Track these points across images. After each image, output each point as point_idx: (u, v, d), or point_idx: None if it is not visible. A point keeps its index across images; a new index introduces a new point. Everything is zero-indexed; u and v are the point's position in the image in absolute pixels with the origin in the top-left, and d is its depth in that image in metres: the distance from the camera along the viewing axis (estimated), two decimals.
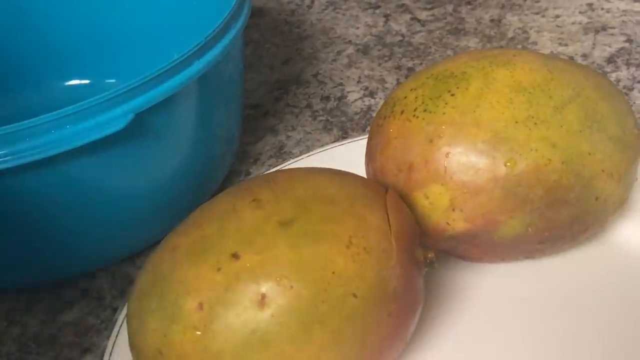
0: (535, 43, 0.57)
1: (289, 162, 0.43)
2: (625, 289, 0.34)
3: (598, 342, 0.32)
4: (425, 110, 0.32)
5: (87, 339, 0.38)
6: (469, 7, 0.64)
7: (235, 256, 0.26)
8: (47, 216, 0.36)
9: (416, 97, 0.33)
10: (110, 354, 0.32)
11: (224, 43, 0.37)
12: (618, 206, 0.33)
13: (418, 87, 0.33)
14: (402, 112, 0.33)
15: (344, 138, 0.49)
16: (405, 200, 0.32)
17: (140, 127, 0.34)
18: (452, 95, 0.32)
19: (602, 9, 0.60)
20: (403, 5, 0.66)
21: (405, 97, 0.33)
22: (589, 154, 0.31)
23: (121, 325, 0.34)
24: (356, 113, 0.52)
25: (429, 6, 0.65)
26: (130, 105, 0.33)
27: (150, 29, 0.51)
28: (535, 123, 0.31)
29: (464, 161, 0.31)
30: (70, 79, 0.54)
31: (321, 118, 0.52)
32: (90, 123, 0.32)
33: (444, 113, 0.32)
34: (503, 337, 0.33)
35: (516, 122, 0.31)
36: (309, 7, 0.68)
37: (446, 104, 0.32)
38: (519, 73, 0.32)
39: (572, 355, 0.32)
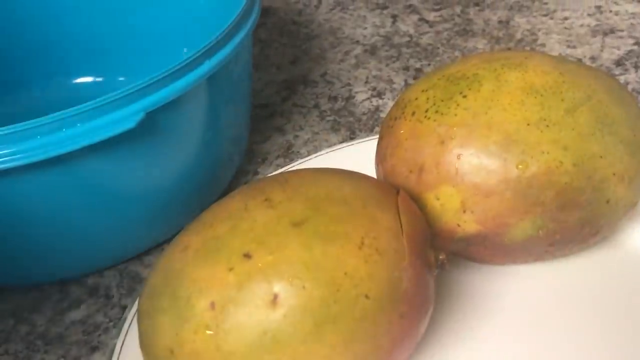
0: (543, 45, 0.57)
1: (297, 162, 0.43)
2: (635, 292, 0.34)
3: (608, 344, 0.32)
4: (436, 112, 0.32)
5: (95, 337, 0.38)
6: (477, 8, 0.64)
7: (247, 256, 0.26)
8: (56, 214, 0.36)
9: (427, 99, 0.33)
10: (120, 353, 0.32)
11: (234, 43, 0.37)
12: (629, 209, 0.33)
13: (429, 88, 0.33)
14: (413, 114, 0.33)
15: (351, 138, 0.49)
16: (416, 202, 0.31)
17: (150, 126, 0.34)
18: (464, 96, 0.32)
19: (611, 11, 0.60)
20: (411, 5, 0.66)
21: (417, 99, 0.33)
22: (600, 157, 0.31)
23: (130, 323, 0.34)
24: (364, 113, 0.52)
25: (436, 7, 0.65)
26: (140, 104, 0.33)
27: (159, 27, 0.51)
28: (547, 125, 0.31)
29: (476, 163, 0.31)
30: (79, 77, 0.54)
31: (329, 118, 0.52)
32: (101, 122, 0.32)
33: (455, 114, 0.32)
34: (513, 339, 0.33)
35: (528, 125, 0.31)
36: (317, 7, 0.68)
37: (458, 105, 0.32)
38: (531, 75, 0.32)
39: (582, 357, 0.32)
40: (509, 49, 0.57)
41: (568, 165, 0.31)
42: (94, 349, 0.37)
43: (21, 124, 0.31)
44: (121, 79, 0.53)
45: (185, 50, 0.35)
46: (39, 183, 0.33)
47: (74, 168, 0.33)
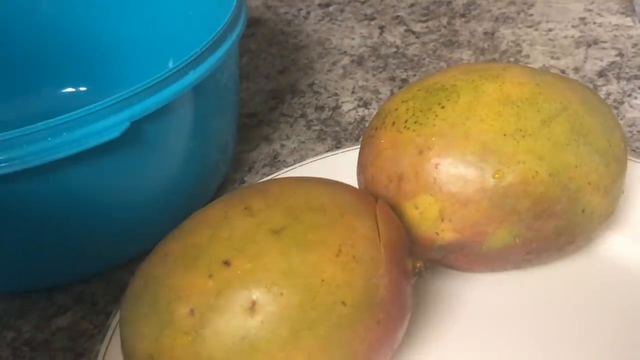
0: (527, 56, 0.58)
1: (282, 171, 0.43)
2: (611, 299, 0.35)
3: (583, 352, 0.33)
4: (415, 122, 0.33)
5: (81, 344, 0.38)
6: (463, 19, 0.64)
7: (226, 263, 0.27)
8: (41, 223, 0.36)
9: (407, 109, 0.33)
10: (103, 359, 0.33)
11: (219, 53, 0.38)
12: (604, 218, 0.34)
13: (409, 99, 0.34)
14: (393, 124, 0.34)
15: (337, 148, 0.50)
16: (395, 211, 0.32)
17: (135, 135, 0.34)
18: (442, 107, 0.32)
19: (594, 23, 0.61)
20: (398, 17, 0.66)
21: (397, 109, 0.34)
22: (576, 167, 0.32)
23: (114, 330, 0.34)
24: (350, 123, 0.53)
25: (423, 18, 0.65)
26: (125, 113, 0.33)
27: (147, 38, 0.51)
28: (523, 136, 0.31)
29: (453, 172, 0.31)
30: (67, 87, 0.54)
31: (315, 128, 0.53)
32: (86, 131, 0.32)
33: (434, 125, 0.32)
34: (490, 346, 0.33)
35: (504, 135, 0.31)
36: (305, 17, 0.68)
37: (436, 116, 0.32)
38: (507, 86, 0.33)
39: None
40: (492, 60, 0.58)
41: (544, 175, 0.31)
42: (80, 356, 0.37)
43: (6, 132, 0.31)
44: (109, 89, 0.53)
45: (171, 65, 0.35)
46: (23, 192, 0.34)
47: (59, 177, 0.34)
